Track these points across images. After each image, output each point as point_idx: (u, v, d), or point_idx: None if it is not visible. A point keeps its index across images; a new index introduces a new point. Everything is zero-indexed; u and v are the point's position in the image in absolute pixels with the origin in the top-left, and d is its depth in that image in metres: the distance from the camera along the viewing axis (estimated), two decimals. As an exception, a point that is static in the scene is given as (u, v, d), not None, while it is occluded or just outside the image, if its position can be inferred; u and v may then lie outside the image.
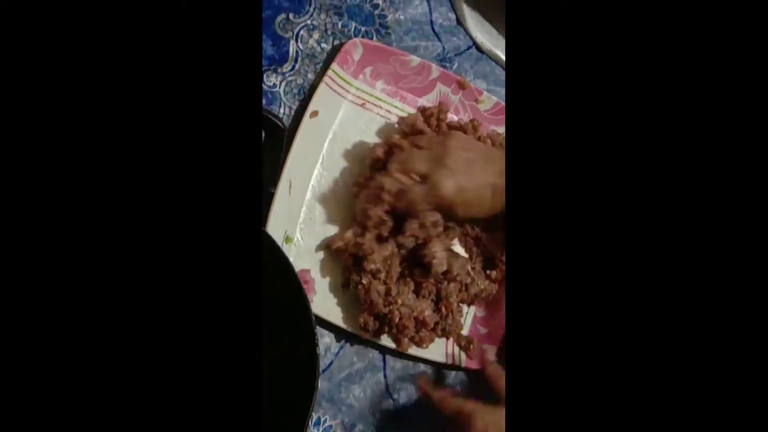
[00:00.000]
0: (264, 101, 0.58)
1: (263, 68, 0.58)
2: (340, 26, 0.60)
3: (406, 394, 0.60)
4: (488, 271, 0.58)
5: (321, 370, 0.56)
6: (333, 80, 0.57)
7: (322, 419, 0.57)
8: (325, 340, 0.58)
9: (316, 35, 0.60)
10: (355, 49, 0.58)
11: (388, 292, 0.54)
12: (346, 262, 0.55)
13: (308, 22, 0.60)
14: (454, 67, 0.64)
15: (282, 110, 0.58)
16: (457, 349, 0.60)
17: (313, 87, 0.58)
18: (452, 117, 0.62)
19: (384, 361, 0.59)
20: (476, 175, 0.53)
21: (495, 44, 0.64)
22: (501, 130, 0.63)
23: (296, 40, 0.59)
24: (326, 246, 0.56)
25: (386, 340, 0.56)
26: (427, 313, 0.55)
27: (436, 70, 0.60)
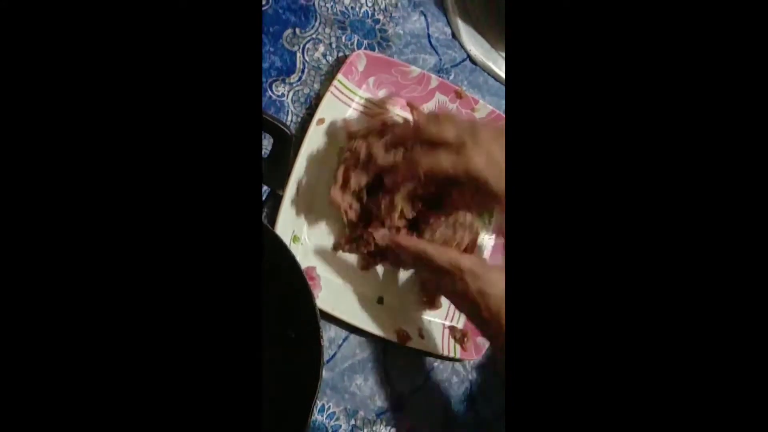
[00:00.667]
0: (272, 110, 0.60)
1: (272, 79, 0.60)
2: (343, 40, 0.62)
3: (405, 383, 0.62)
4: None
5: (325, 360, 0.58)
6: (338, 89, 0.59)
7: (326, 406, 0.59)
8: (330, 332, 0.59)
9: (321, 48, 0.62)
10: (360, 60, 0.60)
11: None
12: (346, 218, 0.57)
13: (314, 36, 0.62)
14: (451, 77, 0.66)
15: (289, 118, 0.60)
16: (452, 341, 0.62)
17: (320, 96, 0.60)
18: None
19: (384, 352, 0.61)
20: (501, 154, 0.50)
21: (488, 57, 0.67)
22: None
23: (303, 53, 0.61)
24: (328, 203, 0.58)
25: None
26: None
27: (435, 80, 0.62)
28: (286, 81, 0.61)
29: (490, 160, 0.49)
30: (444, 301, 0.63)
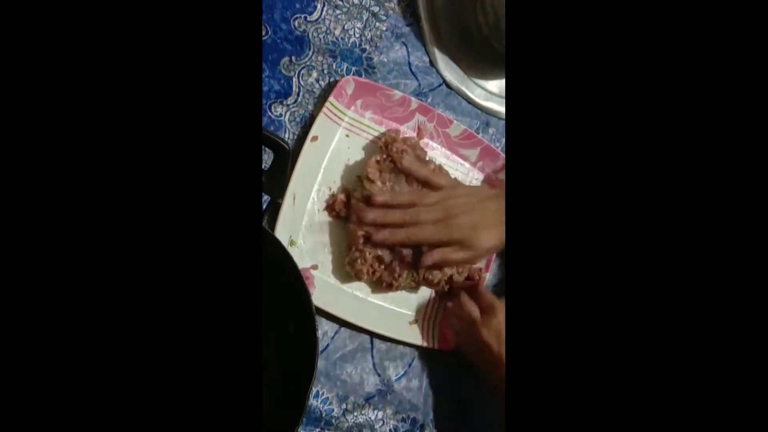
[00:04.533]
0: (272, 128, 0.64)
1: (271, 101, 0.65)
2: (334, 66, 0.67)
3: (389, 371, 0.67)
4: None
5: (320, 351, 0.60)
6: (330, 110, 0.64)
7: (320, 392, 0.63)
8: (323, 326, 0.64)
9: (314, 74, 0.66)
10: (349, 84, 0.65)
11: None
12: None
13: (308, 63, 0.66)
14: (429, 100, 0.71)
15: (287, 135, 0.65)
16: (430, 333, 0.68)
17: (313, 116, 0.65)
18: (427, 141, 0.70)
19: (371, 343, 0.66)
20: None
21: (461, 82, 0.72)
22: (467, 152, 0.71)
23: (298, 78, 0.66)
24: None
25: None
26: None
27: (414, 102, 0.67)
28: (284, 103, 0.65)
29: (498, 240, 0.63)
30: (424, 294, 0.69)
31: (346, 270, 0.64)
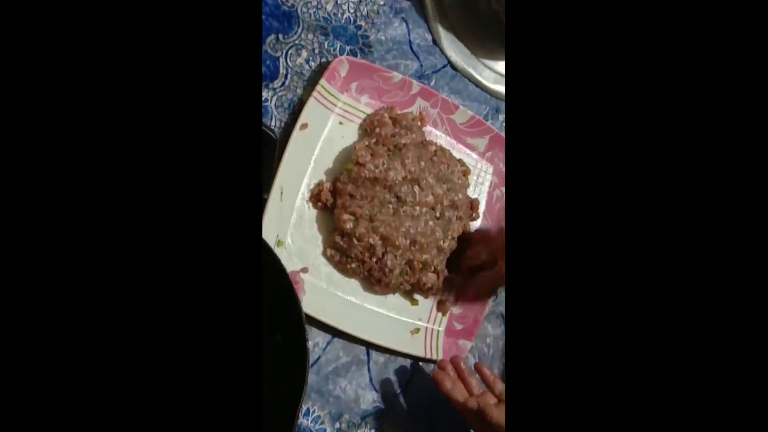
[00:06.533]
0: None
1: None
2: (326, 45, 0.63)
3: (388, 386, 0.62)
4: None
5: (310, 364, 0.57)
6: (321, 95, 0.60)
7: (311, 410, 0.59)
8: (315, 336, 0.59)
9: (304, 54, 0.62)
10: (342, 66, 0.60)
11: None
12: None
13: (296, 41, 0.62)
14: (432, 83, 0.67)
15: (273, 122, 0.60)
16: (433, 343, 0.63)
17: (303, 101, 0.60)
18: (431, 129, 0.65)
19: (368, 355, 0.62)
20: None
21: (468, 63, 0.68)
22: (474, 141, 0.67)
23: (285, 58, 0.62)
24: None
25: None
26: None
27: (416, 85, 0.63)
28: (270, 86, 0.61)
29: None
30: (425, 303, 0.64)
31: (328, 254, 0.59)
